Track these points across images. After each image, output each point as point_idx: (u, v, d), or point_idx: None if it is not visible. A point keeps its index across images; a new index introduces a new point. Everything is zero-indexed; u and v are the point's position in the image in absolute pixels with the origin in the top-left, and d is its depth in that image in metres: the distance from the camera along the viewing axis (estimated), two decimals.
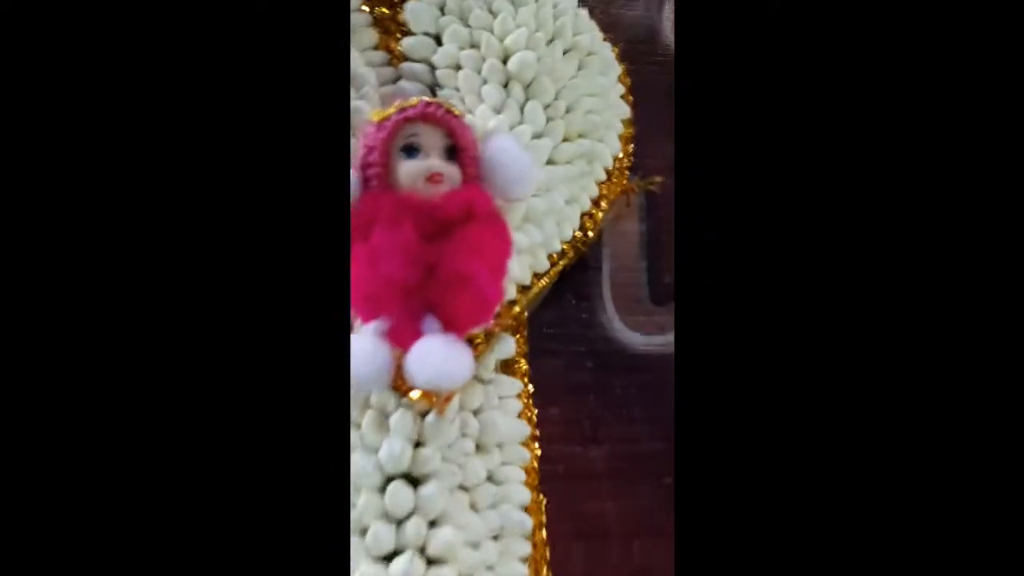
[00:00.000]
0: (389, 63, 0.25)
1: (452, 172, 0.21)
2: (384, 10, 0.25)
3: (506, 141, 0.22)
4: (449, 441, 0.24)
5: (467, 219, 0.21)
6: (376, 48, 0.25)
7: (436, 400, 0.23)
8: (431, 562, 0.22)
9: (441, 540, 0.22)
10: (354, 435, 0.23)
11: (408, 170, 0.21)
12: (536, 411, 0.27)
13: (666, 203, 0.30)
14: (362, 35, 0.25)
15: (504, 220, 0.22)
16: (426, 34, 0.25)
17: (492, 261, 0.21)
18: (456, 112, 0.21)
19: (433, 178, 0.21)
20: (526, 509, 0.25)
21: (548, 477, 0.26)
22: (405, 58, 0.25)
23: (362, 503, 0.22)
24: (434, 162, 0.21)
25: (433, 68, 0.25)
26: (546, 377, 0.28)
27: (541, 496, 0.26)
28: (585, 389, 0.29)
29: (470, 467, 0.24)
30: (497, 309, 0.23)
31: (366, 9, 0.25)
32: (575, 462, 0.28)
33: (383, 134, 0.21)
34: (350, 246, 0.20)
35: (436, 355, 0.20)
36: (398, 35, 0.25)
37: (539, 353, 0.28)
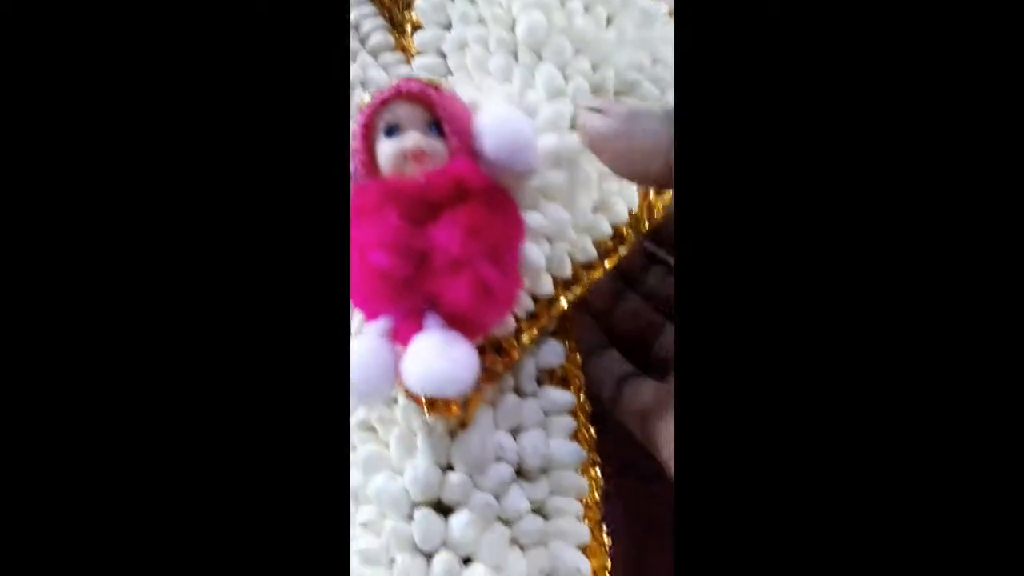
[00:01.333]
0: (405, 62, 0.24)
1: (436, 147, 0.19)
2: (398, 11, 0.25)
3: (498, 106, 0.19)
4: (480, 464, 0.20)
5: (458, 198, 0.18)
6: (393, 50, 0.25)
7: (445, 408, 0.20)
8: None
9: None
10: (379, 451, 0.21)
11: (385, 150, 0.19)
12: (594, 432, 0.22)
13: None
14: (376, 38, 0.24)
15: (508, 198, 0.19)
16: (437, 24, 0.24)
17: (493, 243, 0.18)
18: (436, 84, 0.19)
19: (414, 155, 0.19)
20: (585, 550, 0.21)
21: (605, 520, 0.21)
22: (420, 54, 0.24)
23: (388, 531, 0.20)
24: (411, 137, 0.19)
25: (445, 57, 0.23)
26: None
27: (606, 536, 0.21)
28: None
29: (508, 497, 0.20)
30: (511, 295, 0.19)
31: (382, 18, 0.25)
32: (638, 503, 0.22)
33: (362, 119, 0.19)
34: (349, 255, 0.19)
35: (428, 354, 0.18)
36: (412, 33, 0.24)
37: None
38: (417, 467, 0.20)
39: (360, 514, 0.21)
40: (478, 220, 0.18)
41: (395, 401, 0.21)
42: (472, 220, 0.18)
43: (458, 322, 0.19)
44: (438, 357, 0.18)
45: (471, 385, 0.18)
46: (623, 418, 0.23)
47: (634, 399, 0.23)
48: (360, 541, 0.20)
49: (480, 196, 0.18)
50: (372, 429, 0.22)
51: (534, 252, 0.20)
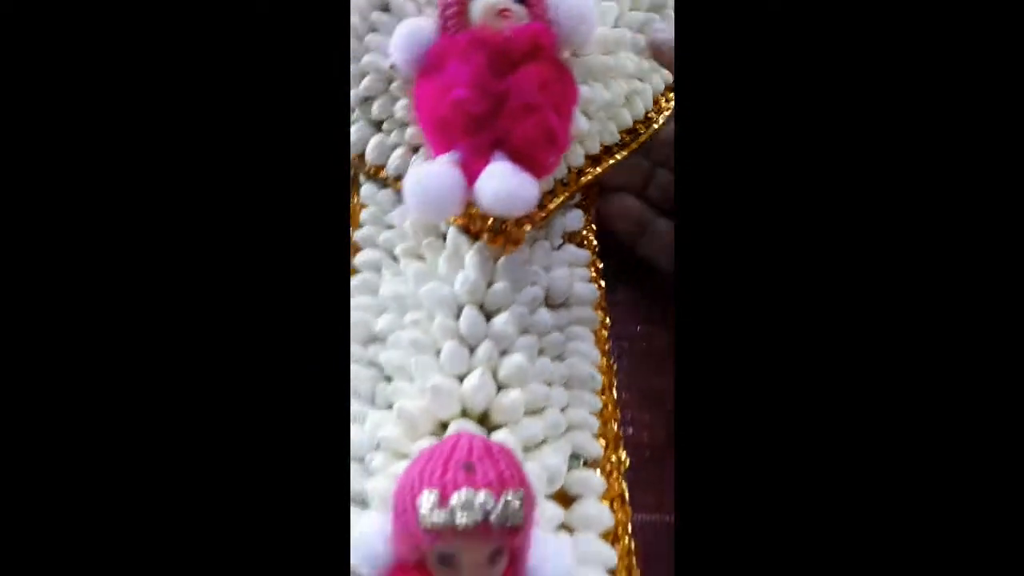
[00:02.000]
0: None
1: (520, 10, 0.24)
2: None
3: None
4: (519, 283, 0.24)
5: (534, 55, 0.23)
6: None
7: (493, 240, 0.24)
8: (501, 388, 0.22)
9: (512, 365, 0.23)
10: (427, 268, 0.24)
11: (478, 5, 0.23)
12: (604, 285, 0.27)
13: None
14: None
15: (568, 67, 0.24)
16: None
17: (558, 99, 0.23)
18: None
19: (502, 13, 0.23)
20: (597, 367, 0.25)
21: (614, 352, 0.26)
22: None
23: (437, 326, 0.23)
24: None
25: None
26: (613, 259, 0.28)
27: (612, 362, 0.25)
28: (654, 273, 0.28)
29: (538, 314, 0.24)
30: (566, 147, 0.24)
31: None
32: (641, 341, 0.27)
33: None
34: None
35: (501, 175, 0.22)
36: None
37: (605, 236, 0.28)
38: (467, 275, 0.24)
39: (408, 316, 0.24)
40: (550, 76, 0.23)
41: (444, 236, 0.25)
42: (545, 75, 0.23)
43: (523, 160, 0.23)
44: (511, 178, 0.22)
45: (532, 206, 0.22)
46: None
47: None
48: (409, 334, 0.23)
49: (551, 58, 0.23)
50: (420, 256, 0.25)
51: (581, 119, 0.25)
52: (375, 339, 0.24)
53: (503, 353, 0.23)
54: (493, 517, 0.17)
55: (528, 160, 0.23)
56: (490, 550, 0.17)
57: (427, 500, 0.17)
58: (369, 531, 0.19)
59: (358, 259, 0.26)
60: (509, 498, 0.17)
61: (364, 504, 0.21)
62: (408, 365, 0.23)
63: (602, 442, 0.23)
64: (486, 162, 0.23)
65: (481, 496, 0.17)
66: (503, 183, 0.22)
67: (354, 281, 0.25)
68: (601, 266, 0.27)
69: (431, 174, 0.23)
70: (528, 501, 0.18)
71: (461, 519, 0.16)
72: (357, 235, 0.26)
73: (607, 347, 0.25)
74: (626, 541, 0.22)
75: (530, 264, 0.25)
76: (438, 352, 0.23)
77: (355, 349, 0.24)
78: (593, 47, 0.26)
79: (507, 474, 0.18)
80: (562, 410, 0.23)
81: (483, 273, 0.24)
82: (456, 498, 0.17)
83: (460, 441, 0.19)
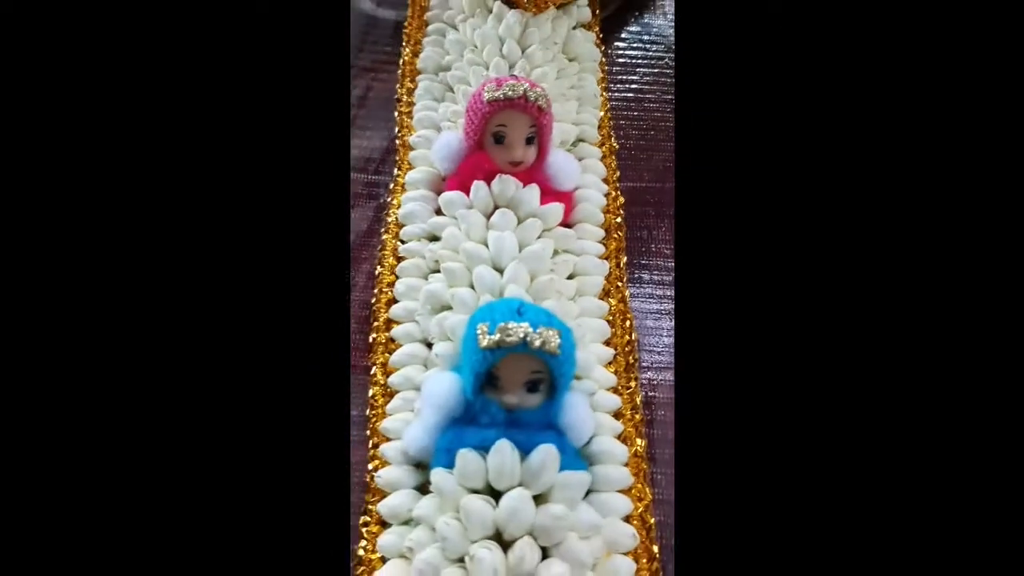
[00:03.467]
0: None
1: None
2: None
3: None
4: (544, 32, 0.35)
5: None
6: None
7: (534, 7, 0.34)
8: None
9: (539, 72, 0.33)
10: (476, 21, 0.35)
11: None
12: None
13: None
14: None
15: None
16: None
17: None
18: None
19: None
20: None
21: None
22: None
23: (486, 52, 0.33)
24: None
25: None
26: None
27: (609, 97, 0.35)
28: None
29: (557, 58, 0.35)
30: None
31: None
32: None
33: None
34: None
35: None
36: None
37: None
38: (508, 21, 0.34)
39: (465, 51, 0.34)
40: None
41: (490, 9, 0.35)
42: None
43: None
44: None
45: None
46: None
47: None
48: (467, 57, 0.33)
49: None
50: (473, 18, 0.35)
51: None
52: (441, 68, 0.34)
53: (534, 68, 0.33)
54: (530, 95, 0.26)
55: None
56: (528, 127, 0.27)
57: (488, 86, 0.27)
58: (447, 138, 0.29)
59: (429, 30, 0.36)
60: (541, 87, 0.27)
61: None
62: (467, 76, 0.33)
63: (600, 113, 0.34)
64: None
65: (524, 83, 0.27)
66: None
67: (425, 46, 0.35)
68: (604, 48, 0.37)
69: None
70: (548, 99, 0.28)
71: (509, 92, 0.26)
72: (428, 14, 0.37)
73: (605, 88, 0.35)
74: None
75: (551, 28, 0.35)
76: (487, 67, 0.33)
77: (425, 82, 0.34)
78: None
79: (539, 85, 0.28)
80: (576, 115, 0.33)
81: (519, 22, 0.34)
82: (507, 83, 0.27)
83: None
